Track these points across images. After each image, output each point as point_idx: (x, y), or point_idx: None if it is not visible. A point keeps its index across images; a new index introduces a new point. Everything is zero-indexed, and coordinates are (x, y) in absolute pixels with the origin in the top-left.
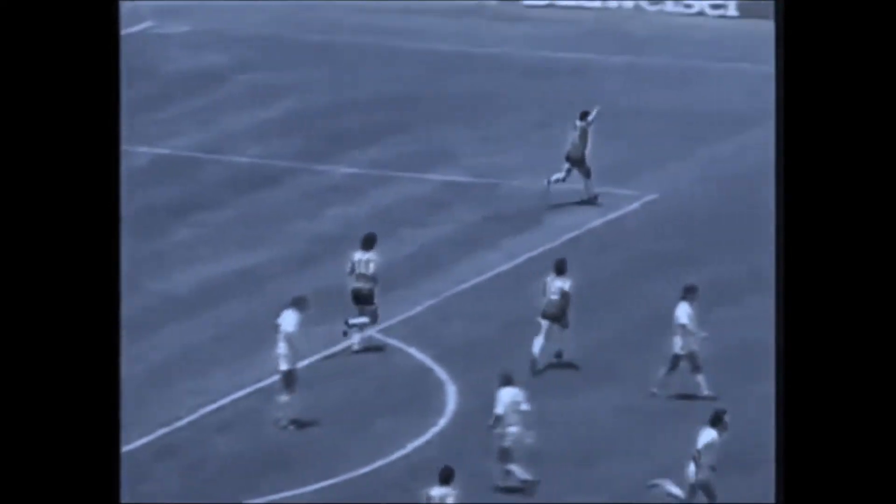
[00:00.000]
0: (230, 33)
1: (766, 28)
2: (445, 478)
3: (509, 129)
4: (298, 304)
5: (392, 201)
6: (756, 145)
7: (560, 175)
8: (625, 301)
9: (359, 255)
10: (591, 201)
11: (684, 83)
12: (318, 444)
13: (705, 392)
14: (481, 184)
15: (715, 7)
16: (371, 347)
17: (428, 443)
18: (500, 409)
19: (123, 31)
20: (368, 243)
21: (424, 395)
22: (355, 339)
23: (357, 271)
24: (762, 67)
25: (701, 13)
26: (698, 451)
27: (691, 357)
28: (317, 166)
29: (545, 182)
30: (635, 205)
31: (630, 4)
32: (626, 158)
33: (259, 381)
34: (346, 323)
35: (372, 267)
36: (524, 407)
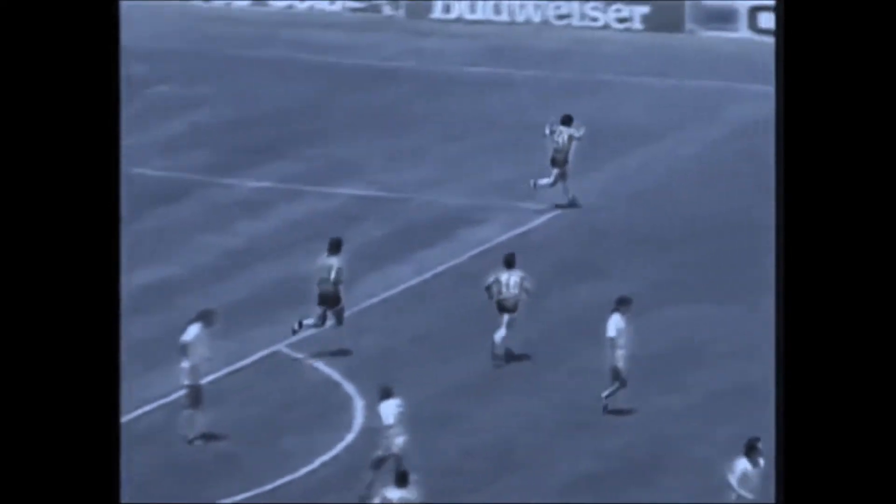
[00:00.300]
0: (138, 47)
1: (670, 41)
2: (402, 479)
3: (418, 144)
4: (205, 317)
5: (300, 215)
6: (663, 158)
7: (549, 180)
8: (533, 313)
9: (321, 261)
10: (554, 184)
11: (591, 97)
12: (226, 459)
13: (614, 405)
14: (390, 198)
15: (620, 21)
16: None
17: (335, 458)
18: (390, 420)
19: None
20: (333, 248)
21: (332, 410)
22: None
23: (320, 275)
24: (668, 80)
25: (607, 27)
26: (731, 482)
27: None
28: (225, 180)
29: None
30: (543, 218)
31: (537, 19)
32: (533, 172)
33: (167, 395)
34: (299, 323)
35: (333, 273)
36: (401, 416)
